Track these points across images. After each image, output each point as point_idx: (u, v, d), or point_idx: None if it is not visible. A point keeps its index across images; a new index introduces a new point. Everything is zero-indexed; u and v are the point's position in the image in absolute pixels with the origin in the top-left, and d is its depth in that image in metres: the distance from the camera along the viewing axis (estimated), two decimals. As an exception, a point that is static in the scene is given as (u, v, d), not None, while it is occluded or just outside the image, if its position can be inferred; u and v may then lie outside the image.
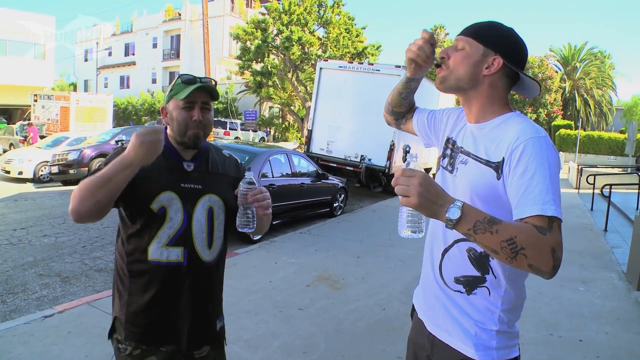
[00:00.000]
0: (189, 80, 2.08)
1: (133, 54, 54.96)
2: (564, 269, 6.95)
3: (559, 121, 45.62)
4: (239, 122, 36.38)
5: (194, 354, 2.20)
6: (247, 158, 9.11)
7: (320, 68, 15.89)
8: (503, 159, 1.60)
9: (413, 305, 2.05)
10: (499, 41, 1.70)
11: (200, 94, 2.07)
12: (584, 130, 40.96)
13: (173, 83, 2.11)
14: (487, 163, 1.65)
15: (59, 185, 14.92)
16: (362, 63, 15.61)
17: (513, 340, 1.72)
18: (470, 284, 1.70)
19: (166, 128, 2.13)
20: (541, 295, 5.99)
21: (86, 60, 58.75)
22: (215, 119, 32.24)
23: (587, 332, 4.98)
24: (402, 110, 2.28)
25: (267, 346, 4.22)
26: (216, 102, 34.17)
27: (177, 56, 50.90)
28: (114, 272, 2.20)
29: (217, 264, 2.23)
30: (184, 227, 2.08)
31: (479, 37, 1.70)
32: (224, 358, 2.35)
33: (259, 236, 1.71)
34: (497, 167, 1.61)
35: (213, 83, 2.18)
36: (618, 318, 5.42)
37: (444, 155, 1.91)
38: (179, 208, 2.07)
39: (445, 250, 1.77)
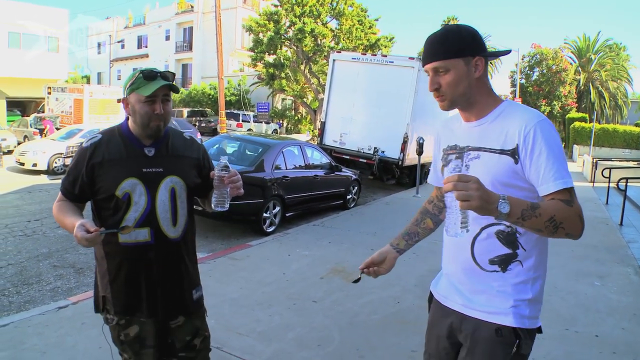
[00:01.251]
0: (150, 75, 2.21)
1: (146, 47, 55.16)
2: (579, 264, 6.94)
3: (573, 114, 45.27)
4: (251, 114, 36.45)
5: (169, 323, 2.43)
6: (260, 150, 9.11)
7: (334, 60, 15.83)
8: (517, 145, 1.79)
9: (430, 293, 2.24)
10: (467, 44, 1.84)
11: (161, 88, 2.22)
12: (599, 123, 40.59)
13: (134, 77, 2.22)
14: (502, 152, 1.82)
15: (73, 177, 14.96)
16: (375, 55, 15.55)
17: (539, 311, 1.93)
18: (504, 262, 1.88)
19: (127, 118, 2.33)
20: (556, 289, 5.94)
21: (99, 52, 58.95)
22: (228, 110, 32.31)
23: (604, 328, 4.93)
24: (445, 206, 2.21)
25: (280, 338, 4.21)
26: (228, 94, 34.29)
27: (190, 48, 50.99)
28: (94, 256, 2.45)
29: (184, 239, 2.42)
30: (149, 209, 2.27)
31: (452, 53, 1.82)
32: (205, 328, 2.59)
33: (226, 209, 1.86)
34: (513, 153, 1.80)
35: (172, 76, 2.28)
36: (635, 314, 5.35)
37: (447, 163, 2.03)
38: (143, 192, 2.27)
39: (475, 238, 1.91)
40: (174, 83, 2.28)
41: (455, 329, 2.02)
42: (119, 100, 2.48)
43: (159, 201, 2.30)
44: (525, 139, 1.77)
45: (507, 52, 2.10)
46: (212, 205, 2.26)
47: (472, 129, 1.94)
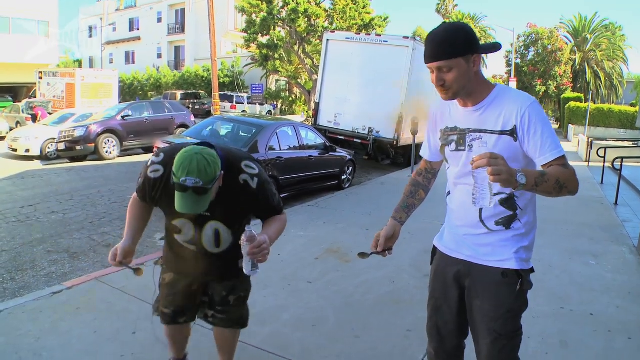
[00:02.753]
0: (185, 188, 2.30)
1: (138, 29, 54.55)
2: (574, 242, 6.94)
3: (568, 94, 45.18)
4: (245, 95, 36.27)
5: (212, 286, 2.96)
6: (253, 131, 9.05)
7: (327, 40, 15.68)
8: (515, 126, 2.15)
9: (434, 247, 2.62)
10: (466, 45, 2.12)
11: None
12: (594, 103, 40.53)
13: (176, 173, 2.31)
14: (502, 132, 2.18)
15: (66, 162, 14.92)
16: (369, 34, 15.44)
17: (532, 254, 2.36)
18: (507, 222, 2.28)
19: None
20: (551, 268, 5.94)
21: (90, 36, 58.39)
22: (222, 92, 32.13)
23: (598, 306, 4.93)
24: (433, 177, 2.80)
25: (275, 320, 4.20)
26: (222, 76, 34.11)
27: (182, 30, 50.54)
28: None
29: (227, 250, 2.79)
30: (196, 239, 2.74)
31: (454, 53, 2.10)
32: (241, 289, 3.03)
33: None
34: (512, 133, 2.16)
35: (203, 190, 2.34)
36: (629, 292, 5.36)
37: (448, 143, 2.37)
38: (191, 228, 2.72)
39: (509, 197, 2.27)
40: (204, 187, 2.33)
41: (463, 275, 2.39)
42: None
43: (205, 236, 2.72)
44: (522, 120, 2.13)
45: (499, 47, 2.33)
46: (244, 271, 2.47)
47: (471, 114, 2.27)
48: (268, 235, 2.50)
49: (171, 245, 2.86)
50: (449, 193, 2.53)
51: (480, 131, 2.23)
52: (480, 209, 2.28)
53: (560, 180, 2.02)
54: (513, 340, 2.33)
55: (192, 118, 19.12)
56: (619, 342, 4.18)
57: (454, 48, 2.09)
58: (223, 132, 10.03)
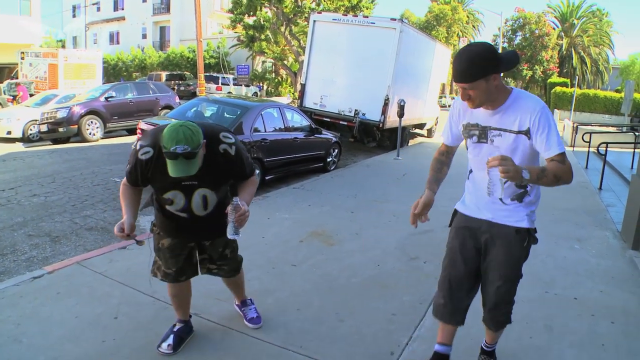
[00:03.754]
0: (175, 155, 2.70)
1: (122, 9, 53.67)
2: (559, 227, 6.95)
3: (554, 79, 45.37)
4: (231, 77, 35.98)
5: (203, 243, 3.40)
6: (238, 112, 8.94)
7: (314, 21, 15.52)
8: (529, 128, 2.66)
9: (455, 210, 3.19)
10: (485, 68, 2.53)
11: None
12: (580, 89, 40.68)
13: (166, 145, 2.71)
14: (519, 132, 2.70)
15: (49, 144, 14.72)
16: (356, 16, 15.29)
17: (535, 217, 2.97)
18: (520, 197, 2.88)
19: None
20: (536, 253, 5.89)
21: (74, 16, 57.49)
22: (207, 74, 31.90)
23: (582, 290, 4.95)
24: (452, 156, 3.28)
25: (260, 303, 4.14)
26: (207, 57, 33.77)
27: (168, 10, 49.82)
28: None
29: (213, 211, 3.22)
30: (186, 206, 3.12)
31: (478, 77, 2.53)
32: (232, 243, 3.46)
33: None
34: (527, 133, 2.68)
35: (192, 154, 2.75)
36: (613, 277, 5.38)
37: (470, 136, 2.90)
38: (182, 198, 3.09)
39: (521, 185, 2.82)
40: (192, 151, 2.73)
41: (483, 232, 2.97)
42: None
43: (194, 202, 3.12)
44: (534, 123, 2.64)
45: (517, 60, 2.73)
46: (228, 234, 2.96)
47: (492, 115, 2.76)
48: (245, 201, 3.02)
49: (164, 215, 3.22)
50: (471, 171, 3.04)
51: (500, 129, 2.75)
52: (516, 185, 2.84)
53: (557, 175, 2.57)
54: (515, 283, 3.05)
55: (177, 99, 18.92)
56: (603, 326, 4.20)
57: (473, 73, 2.54)
58: (208, 113, 9.92)
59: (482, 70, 2.53)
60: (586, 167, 13.60)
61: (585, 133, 15.92)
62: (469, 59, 2.56)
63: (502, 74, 2.68)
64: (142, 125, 8.69)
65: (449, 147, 3.20)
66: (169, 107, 17.12)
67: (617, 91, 41.19)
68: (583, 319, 4.30)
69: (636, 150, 13.13)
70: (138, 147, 2.96)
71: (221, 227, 3.04)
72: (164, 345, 3.45)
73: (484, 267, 3.02)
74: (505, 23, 49.99)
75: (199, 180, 3.00)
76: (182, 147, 2.67)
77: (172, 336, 3.49)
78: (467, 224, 3.05)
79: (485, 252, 3.00)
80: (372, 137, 15.49)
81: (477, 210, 3.00)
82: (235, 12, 32.72)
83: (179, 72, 39.77)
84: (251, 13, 32.34)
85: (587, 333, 4.06)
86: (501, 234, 2.92)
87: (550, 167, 2.57)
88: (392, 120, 14.56)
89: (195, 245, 3.40)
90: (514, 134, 2.71)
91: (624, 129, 20.80)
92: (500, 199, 2.86)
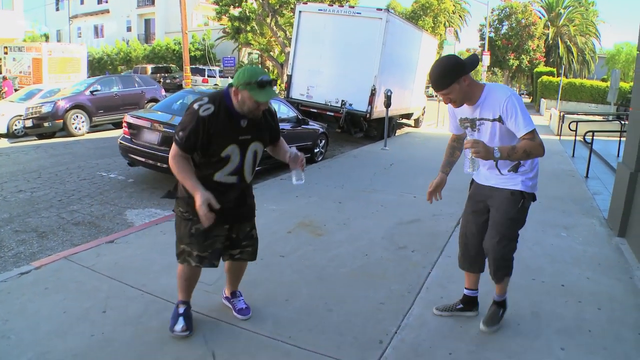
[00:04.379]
0: (263, 85, 3.10)
1: (106, 2, 53.11)
2: (546, 215, 6.99)
3: (541, 68, 45.53)
4: (217, 69, 35.77)
5: (235, 225, 3.58)
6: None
7: (300, 11, 15.47)
8: (500, 115, 3.26)
9: (472, 179, 3.83)
10: (453, 74, 3.16)
11: None
12: (566, 78, 40.87)
13: (251, 81, 3.08)
14: (494, 120, 3.30)
15: (34, 139, 14.60)
16: (342, 6, 15.26)
17: (535, 184, 3.55)
18: (515, 167, 3.47)
19: (229, 95, 3.21)
20: (524, 240, 5.91)
21: (57, 9, 56.84)
22: (193, 66, 31.73)
23: (569, 277, 4.98)
24: (462, 140, 3.75)
25: (248, 295, 4.13)
26: (193, 49, 33.52)
27: (152, 2, 49.33)
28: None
29: (252, 180, 3.62)
30: (240, 165, 3.35)
31: (447, 85, 3.19)
32: (255, 225, 3.85)
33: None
34: (500, 119, 3.27)
35: (271, 79, 3.20)
36: (599, 264, 5.42)
37: (465, 127, 3.55)
38: (238, 153, 3.30)
39: (496, 162, 3.45)
40: (272, 80, 3.20)
41: (487, 195, 3.61)
42: (229, 85, 3.24)
43: (247, 159, 3.38)
44: (504, 110, 3.22)
45: (476, 60, 3.33)
46: (294, 181, 3.51)
47: (473, 109, 3.38)
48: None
49: (205, 183, 3.20)
50: None
51: (482, 119, 3.37)
52: (496, 162, 3.44)
53: (526, 150, 3.15)
54: (511, 243, 3.57)
55: (163, 92, 18.81)
56: (589, 312, 4.23)
57: (445, 81, 3.18)
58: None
59: (451, 76, 3.16)
60: (573, 156, 13.67)
61: (572, 122, 16.01)
62: (440, 71, 3.20)
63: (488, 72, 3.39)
64: (128, 118, 8.63)
65: (457, 135, 3.87)
66: (155, 100, 17.01)
67: (604, 80, 41.39)
68: (570, 306, 4.33)
69: (622, 138, 13.19)
70: (197, 107, 3.15)
71: (252, 209, 3.70)
72: (178, 328, 3.56)
73: (488, 226, 3.62)
74: (492, 13, 50.04)
75: (252, 134, 3.31)
76: (266, 76, 3.13)
77: (181, 318, 3.60)
78: (477, 190, 3.73)
79: (488, 212, 3.63)
80: (359, 128, 15.49)
81: (484, 179, 3.65)
82: (220, 4, 32.54)
83: (165, 64, 39.53)
84: (236, 4, 32.17)
85: (573, 319, 4.09)
86: (499, 196, 3.53)
87: (521, 145, 3.15)
88: (379, 110, 14.56)
89: (231, 227, 3.56)
90: (491, 122, 3.32)
91: (610, 118, 20.91)
92: (499, 170, 3.50)
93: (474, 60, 3.27)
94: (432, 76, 3.21)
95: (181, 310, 3.65)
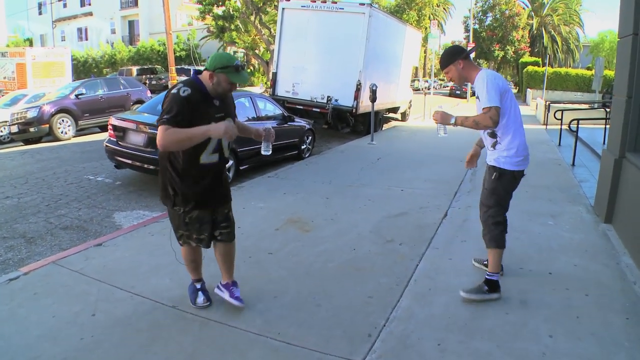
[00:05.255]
0: (238, 69, 3.51)
1: (89, 4, 52.59)
2: (533, 204, 7.05)
3: (526, 58, 45.71)
4: (202, 68, 35.60)
5: (218, 209, 3.87)
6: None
7: (283, 8, 15.44)
8: (474, 91, 4.01)
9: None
10: (450, 58, 4.11)
11: None
12: (551, 67, 41.05)
13: (228, 64, 3.49)
14: (476, 97, 4.04)
15: (20, 145, 14.45)
16: (325, 2, 15.21)
17: (514, 162, 4.07)
18: (494, 145, 4.13)
19: (198, 77, 3.60)
20: (511, 229, 5.93)
21: (40, 13, 56.36)
22: (178, 66, 31.58)
23: (557, 265, 5.02)
24: None
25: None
26: (178, 50, 33.25)
27: (136, 4, 49.01)
28: (163, 176, 3.71)
29: (225, 162, 3.95)
30: (219, 140, 3.66)
31: (445, 65, 4.15)
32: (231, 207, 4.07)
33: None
34: (475, 94, 4.03)
35: (244, 63, 3.33)
36: (586, 250, 5.46)
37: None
38: None
39: (482, 137, 4.36)
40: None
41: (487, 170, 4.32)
42: (197, 72, 3.74)
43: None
44: (475, 89, 3.97)
45: (467, 51, 4.17)
46: (262, 151, 3.98)
47: (473, 87, 4.02)
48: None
49: (193, 177, 3.65)
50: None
51: (475, 95, 4.08)
52: (482, 140, 4.41)
53: (476, 120, 3.88)
54: (489, 210, 4.24)
55: (149, 94, 18.73)
56: (577, 299, 4.26)
57: (444, 62, 4.16)
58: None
59: (449, 59, 4.12)
60: (559, 144, 13.76)
61: (557, 110, 16.09)
62: (442, 55, 4.22)
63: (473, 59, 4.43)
64: (113, 121, 8.60)
65: None
66: (141, 102, 16.89)
67: (588, 69, 41.63)
68: (558, 293, 4.37)
69: (607, 125, 13.28)
70: (176, 90, 3.42)
71: (228, 188, 4.03)
72: (200, 300, 4.03)
73: None
74: (476, 4, 50.20)
75: (225, 112, 3.68)
76: (238, 61, 3.53)
77: (200, 293, 4.08)
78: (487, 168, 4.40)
79: None
80: (346, 123, 15.50)
81: (487, 158, 4.32)
82: (203, 3, 32.37)
83: (150, 66, 39.30)
84: (220, 3, 32.04)
85: (561, 307, 4.12)
86: (487, 170, 4.29)
87: (475, 116, 3.94)
88: (364, 105, 14.58)
89: (215, 211, 3.86)
90: (477, 98, 4.04)
91: (595, 106, 21.02)
92: (487, 147, 4.28)
93: (468, 50, 4.24)
94: (440, 59, 4.24)
95: (198, 286, 4.11)
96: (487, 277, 4.25)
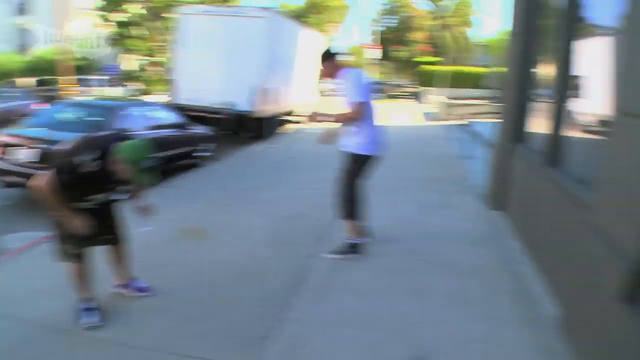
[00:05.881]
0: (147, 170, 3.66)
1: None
2: (428, 196, 7.28)
3: (423, 58, 47.39)
4: (103, 77, 34.46)
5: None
6: (101, 113, 8.50)
7: (182, 14, 15.19)
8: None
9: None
10: (323, 58, 5.03)
11: None
12: (451, 66, 42.69)
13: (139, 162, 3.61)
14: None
15: None
16: (226, 7, 15.10)
17: (366, 148, 4.90)
18: (352, 134, 4.92)
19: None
20: (405, 222, 6.23)
21: None
22: (76, 76, 30.49)
23: (450, 253, 5.28)
24: None
25: (125, 309, 4.01)
26: (77, 59, 31.94)
27: (30, 12, 46.69)
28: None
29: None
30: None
31: (320, 62, 5.12)
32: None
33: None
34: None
35: None
36: (476, 237, 5.76)
37: None
38: None
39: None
40: None
41: None
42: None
43: None
44: (341, 83, 4.84)
45: (331, 54, 5.02)
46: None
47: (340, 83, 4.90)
48: None
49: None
50: None
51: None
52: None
53: (340, 118, 4.83)
54: (343, 180, 5.04)
55: (39, 106, 17.74)
56: (472, 284, 4.51)
57: (319, 62, 5.03)
58: (71, 117, 9.33)
59: (321, 59, 5.02)
60: (453, 139, 14.25)
61: (453, 106, 16.69)
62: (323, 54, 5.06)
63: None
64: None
65: None
66: (25, 115, 15.91)
67: (485, 66, 43.46)
68: (453, 280, 4.59)
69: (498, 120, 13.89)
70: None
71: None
72: (91, 320, 3.82)
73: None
74: (382, 7, 51.96)
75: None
76: (149, 162, 3.73)
77: (91, 312, 3.87)
78: None
79: None
80: (249, 128, 15.37)
81: None
82: (100, 9, 31.48)
83: (46, 76, 37.64)
84: (117, 9, 31.23)
85: (455, 293, 4.33)
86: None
87: (339, 114, 4.84)
88: (267, 109, 14.56)
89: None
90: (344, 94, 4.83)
91: (488, 101, 21.98)
92: None
93: (327, 54, 5.05)
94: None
95: (89, 305, 3.91)
96: (347, 240, 5.20)
